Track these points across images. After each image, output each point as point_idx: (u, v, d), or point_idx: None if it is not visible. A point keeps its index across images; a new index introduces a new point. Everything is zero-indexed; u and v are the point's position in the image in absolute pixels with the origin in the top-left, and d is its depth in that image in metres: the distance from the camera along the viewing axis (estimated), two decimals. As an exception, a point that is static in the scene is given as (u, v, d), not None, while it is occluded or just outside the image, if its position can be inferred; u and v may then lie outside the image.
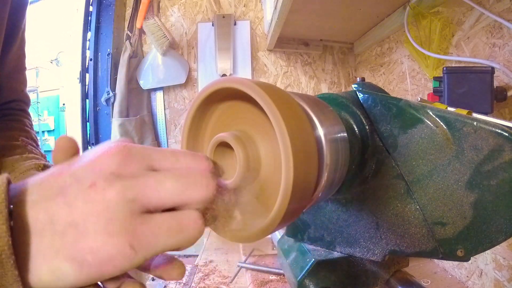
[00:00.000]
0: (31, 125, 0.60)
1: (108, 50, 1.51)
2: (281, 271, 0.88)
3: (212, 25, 1.55)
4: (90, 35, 1.54)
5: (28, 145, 0.54)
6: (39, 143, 0.60)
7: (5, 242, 0.18)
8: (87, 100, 1.56)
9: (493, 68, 0.61)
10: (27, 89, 0.62)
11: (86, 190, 0.20)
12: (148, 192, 0.21)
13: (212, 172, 0.24)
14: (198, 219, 0.22)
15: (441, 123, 0.32)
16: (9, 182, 0.20)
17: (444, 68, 0.63)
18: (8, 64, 0.53)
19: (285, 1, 0.95)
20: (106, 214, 0.20)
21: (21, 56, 0.58)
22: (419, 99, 0.47)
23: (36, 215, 0.20)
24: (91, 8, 1.54)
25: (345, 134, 0.31)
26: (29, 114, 0.61)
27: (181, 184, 0.22)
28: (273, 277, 0.88)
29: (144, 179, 0.21)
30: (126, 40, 1.51)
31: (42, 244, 0.19)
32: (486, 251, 0.52)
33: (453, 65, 0.84)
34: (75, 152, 0.25)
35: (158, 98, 1.60)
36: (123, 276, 0.24)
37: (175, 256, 0.26)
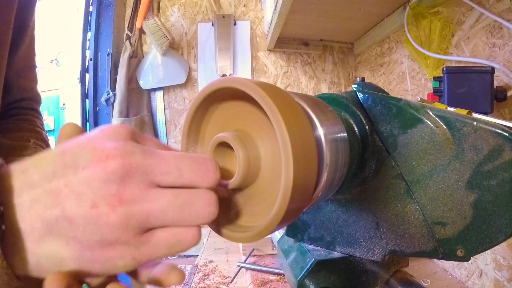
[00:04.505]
0: (42, 125, 0.59)
1: (108, 50, 1.51)
2: (281, 271, 0.88)
3: (212, 25, 1.55)
4: (90, 35, 1.54)
5: (38, 147, 0.53)
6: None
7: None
8: (87, 100, 1.56)
9: (493, 68, 0.61)
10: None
11: (88, 211, 0.20)
12: (151, 220, 0.21)
13: (217, 182, 0.23)
14: (197, 233, 0.23)
15: (441, 123, 0.32)
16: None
17: (444, 68, 0.63)
18: (17, 62, 0.52)
19: (285, 1, 0.95)
20: (111, 237, 0.20)
21: (31, 54, 0.57)
22: (419, 99, 0.47)
23: (32, 222, 0.20)
24: (91, 8, 1.54)
25: (345, 134, 0.31)
26: (40, 114, 0.60)
27: (184, 213, 0.22)
28: (273, 277, 0.88)
29: (147, 204, 0.21)
30: (126, 40, 1.51)
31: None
32: (486, 251, 0.52)
33: (453, 65, 0.84)
34: None
35: (158, 98, 1.60)
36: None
37: (174, 264, 0.27)
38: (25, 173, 0.21)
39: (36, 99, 0.59)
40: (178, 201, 0.21)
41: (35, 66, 0.59)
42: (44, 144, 0.55)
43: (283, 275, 0.87)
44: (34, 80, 0.59)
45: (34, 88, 0.59)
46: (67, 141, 0.22)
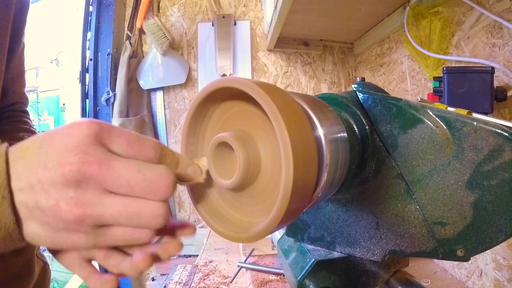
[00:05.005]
0: (33, 125, 0.63)
1: (108, 50, 1.51)
2: (281, 271, 0.88)
3: (212, 25, 1.55)
4: (90, 35, 1.54)
5: None
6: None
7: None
8: (87, 100, 1.56)
9: (493, 68, 0.61)
10: (26, 89, 0.65)
11: (53, 206, 0.23)
12: (104, 221, 0.24)
13: (170, 197, 0.25)
14: (151, 234, 0.26)
15: (441, 123, 0.32)
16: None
17: (444, 68, 0.63)
18: (12, 68, 0.55)
19: (285, 1, 0.95)
20: (71, 227, 0.24)
21: (23, 60, 0.60)
22: (419, 99, 0.47)
23: (19, 206, 0.24)
24: (91, 8, 1.54)
25: (345, 134, 0.31)
26: (29, 114, 0.64)
27: (133, 222, 0.25)
28: (273, 277, 0.88)
29: (99, 209, 0.24)
30: (126, 40, 1.51)
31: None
32: (486, 251, 0.52)
33: (453, 65, 0.84)
34: None
35: (158, 98, 1.60)
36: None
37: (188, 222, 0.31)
38: (15, 162, 0.24)
39: (25, 102, 0.64)
40: (128, 211, 0.24)
41: (25, 71, 0.64)
42: None
43: (283, 275, 0.87)
44: (24, 85, 0.64)
45: (24, 92, 0.64)
46: (47, 132, 0.25)
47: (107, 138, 0.25)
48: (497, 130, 0.29)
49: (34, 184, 0.23)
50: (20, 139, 0.54)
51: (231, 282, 0.89)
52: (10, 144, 0.26)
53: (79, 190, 0.23)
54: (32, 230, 0.25)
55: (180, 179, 0.27)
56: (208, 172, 0.28)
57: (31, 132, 0.59)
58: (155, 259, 0.28)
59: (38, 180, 0.23)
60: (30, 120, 0.63)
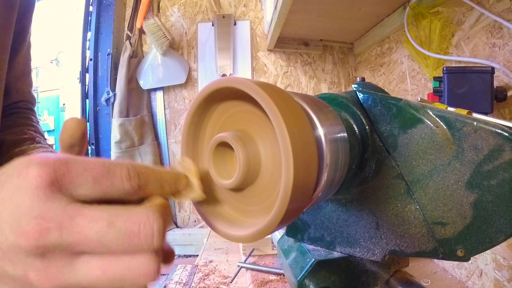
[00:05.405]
0: (38, 121, 0.63)
1: (108, 50, 1.51)
2: (281, 271, 0.88)
3: (212, 25, 1.55)
4: (90, 35, 1.54)
5: (36, 137, 0.57)
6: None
7: None
8: (87, 100, 1.56)
9: (493, 68, 0.61)
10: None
11: (22, 277, 0.20)
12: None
13: (159, 246, 0.21)
14: None
15: (441, 123, 0.32)
16: None
17: (444, 68, 0.63)
18: (16, 67, 0.55)
19: (285, 1, 0.95)
20: None
21: (28, 59, 0.60)
22: (419, 99, 0.47)
23: None
24: (91, 8, 1.54)
25: (345, 134, 0.31)
26: (35, 112, 0.65)
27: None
28: (273, 277, 0.88)
29: (75, 278, 0.20)
30: (126, 40, 1.51)
31: None
32: (486, 251, 0.52)
33: (453, 65, 0.84)
34: (82, 134, 0.26)
35: (158, 98, 1.60)
36: None
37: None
38: None
39: (32, 101, 0.63)
40: (107, 277, 0.20)
41: (31, 71, 0.63)
42: (40, 136, 0.59)
43: (283, 275, 0.87)
44: (30, 84, 0.63)
45: (30, 91, 0.63)
46: (9, 175, 0.20)
47: (66, 180, 0.20)
48: (497, 130, 0.29)
49: None
50: (20, 133, 0.54)
51: (231, 282, 0.89)
52: None
53: (45, 260, 0.19)
54: None
55: (174, 196, 0.25)
56: (206, 175, 0.28)
57: (33, 126, 0.59)
58: None
59: (1, 251, 0.19)
60: (35, 116, 0.63)
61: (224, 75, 1.52)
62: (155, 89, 1.59)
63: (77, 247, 0.20)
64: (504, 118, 0.69)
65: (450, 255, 0.32)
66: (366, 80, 0.42)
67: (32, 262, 0.19)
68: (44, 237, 0.19)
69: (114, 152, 1.48)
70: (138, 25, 1.50)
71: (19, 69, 0.56)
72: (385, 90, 0.40)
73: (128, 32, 1.51)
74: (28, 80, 0.61)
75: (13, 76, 0.55)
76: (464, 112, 0.35)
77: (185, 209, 1.62)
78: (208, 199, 0.30)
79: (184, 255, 1.49)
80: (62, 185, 0.20)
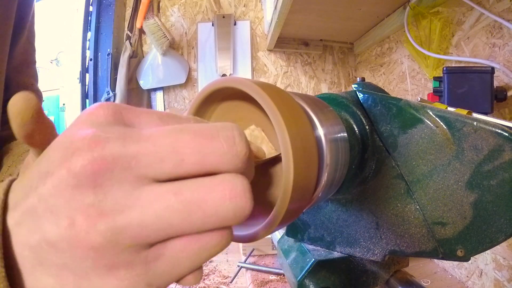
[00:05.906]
0: None
1: (108, 50, 1.51)
2: (281, 271, 0.88)
3: (212, 25, 1.55)
4: (90, 35, 1.54)
5: None
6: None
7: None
8: (87, 100, 1.56)
9: (493, 68, 0.61)
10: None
11: (67, 231, 0.14)
12: (148, 232, 0.15)
13: (246, 160, 0.16)
14: (226, 235, 0.17)
15: (441, 123, 0.32)
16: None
17: (444, 68, 0.63)
18: (15, 57, 0.52)
19: (285, 1, 0.95)
20: (103, 261, 0.15)
21: (30, 49, 0.56)
22: (419, 99, 0.47)
23: (20, 251, 0.15)
24: (91, 8, 1.54)
25: (345, 134, 0.31)
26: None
27: (194, 219, 0.15)
28: (273, 277, 0.88)
29: (136, 213, 0.15)
30: (126, 40, 1.51)
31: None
32: (486, 251, 0.52)
33: (453, 65, 0.84)
34: (36, 114, 0.17)
35: (158, 98, 1.60)
36: None
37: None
38: (13, 192, 0.16)
39: (36, 96, 0.60)
40: (182, 201, 0.15)
41: (34, 62, 0.58)
42: None
43: (283, 275, 0.87)
44: (33, 76, 0.57)
45: (34, 84, 0.57)
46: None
47: (129, 115, 0.17)
48: (497, 130, 0.29)
49: (35, 205, 0.15)
50: None
51: (231, 282, 0.89)
52: None
53: (98, 190, 0.14)
54: (45, 286, 0.15)
55: None
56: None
57: None
58: None
59: (38, 198, 0.15)
60: None
61: (224, 75, 1.52)
62: (155, 89, 1.59)
63: (142, 161, 0.15)
64: (504, 118, 0.69)
65: (450, 255, 0.32)
66: (366, 80, 0.42)
67: (81, 196, 0.14)
68: (101, 148, 0.14)
69: (114, 152, 1.48)
70: (138, 25, 1.50)
71: (18, 59, 0.53)
72: (385, 90, 0.40)
73: (128, 32, 1.51)
74: (30, 72, 0.55)
75: (13, 67, 0.51)
76: (464, 112, 0.35)
77: (185, 209, 1.62)
78: None
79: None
80: (126, 119, 0.17)
